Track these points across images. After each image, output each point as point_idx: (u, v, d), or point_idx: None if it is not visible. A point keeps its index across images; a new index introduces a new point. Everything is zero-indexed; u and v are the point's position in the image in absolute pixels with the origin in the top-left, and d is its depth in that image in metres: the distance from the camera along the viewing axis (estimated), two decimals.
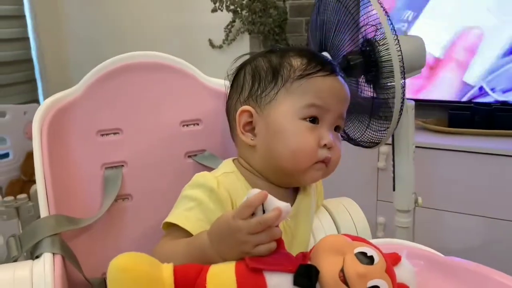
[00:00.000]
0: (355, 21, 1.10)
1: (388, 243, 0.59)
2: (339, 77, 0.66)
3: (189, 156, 0.81)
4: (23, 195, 1.20)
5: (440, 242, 1.56)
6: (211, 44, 2.04)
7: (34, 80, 2.34)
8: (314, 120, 0.63)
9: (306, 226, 0.69)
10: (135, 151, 0.77)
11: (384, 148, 1.61)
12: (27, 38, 2.30)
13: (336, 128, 0.66)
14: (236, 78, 0.69)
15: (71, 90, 0.75)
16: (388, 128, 1.10)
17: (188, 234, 0.57)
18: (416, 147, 1.20)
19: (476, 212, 1.55)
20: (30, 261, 0.62)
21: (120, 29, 2.28)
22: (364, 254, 0.44)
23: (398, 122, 1.09)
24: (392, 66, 1.05)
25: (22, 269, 0.59)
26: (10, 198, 1.19)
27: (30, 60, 2.31)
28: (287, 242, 0.62)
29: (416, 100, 1.20)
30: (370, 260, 0.43)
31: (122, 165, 0.76)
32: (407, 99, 1.14)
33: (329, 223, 0.71)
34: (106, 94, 0.76)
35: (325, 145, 0.62)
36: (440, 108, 1.76)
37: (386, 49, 1.04)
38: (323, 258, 0.44)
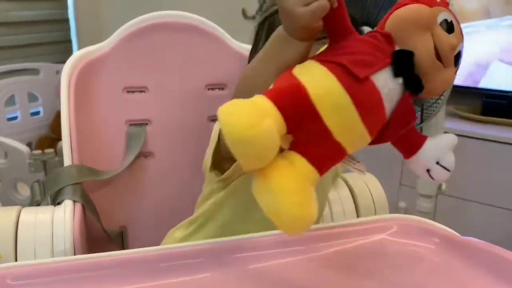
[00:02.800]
0: None
1: (403, 219, 0.58)
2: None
3: (212, 120, 0.81)
4: (51, 150, 1.24)
5: (461, 232, 1.53)
6: (244, 14, 2.01)
7: (70, 41, 2.37)
8: None
9: (323, 192, 0.68)
10: (160, 110, 0.78)
11: None
12: None
13: None
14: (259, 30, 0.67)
15: (101, 45, 0.76)
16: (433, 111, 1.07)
17: None
18: (446, 133, 1.18)
19: (502, 205, 1.51)
20: (51, 207, 0.64)
21: None
22: (445, 21, 0.43)
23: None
24: None
25: (44, 213, 0.61)
26: (38, 151, 1.22)
27: (66, 20, 2.34)
28: None
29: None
30: (451, 26, 0.43)
31: (146, 123, 0.77)
32: None
33: (347, 196, 0.70)
34: (134, 52, 0.76)
35: None
36: (475, 96, 1.70)
37: None
38: (412, 37, 0.42)
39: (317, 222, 0.69)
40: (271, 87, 0.41)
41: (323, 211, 0.69)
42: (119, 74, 0.76)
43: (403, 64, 0.42)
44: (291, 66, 0.43)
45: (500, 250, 0.51)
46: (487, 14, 1.62)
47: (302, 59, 0.44)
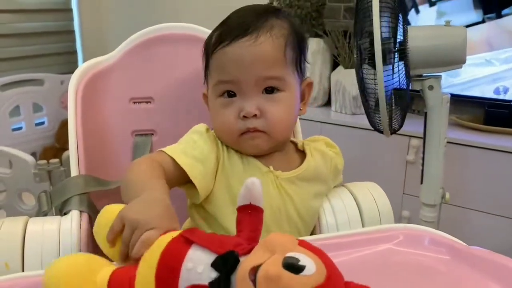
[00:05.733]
0: (392, 8, 1.08)
1: (409, 228, 0.59)
2: (245, 39, 0.61)
3: None
4: (56, 160, 1.24)
5: (465, 242, 1.53)
6: None
7: (75, 52, 2.39)
8: (230, 95, 0.63)
9: (307, 196, 0.68)
10: (165, 121, 0.79)
11: (415, 141, 1.58)
12: (70, 10, 2.35)
13: (272, 90, 0.63)
14: None
15: (107, 56, 0.77)
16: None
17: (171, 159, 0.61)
18: (449, 143, 1.18)
19: (505, 214, 1.50)
20: (58, 217, 0.64)
21: (160, 4, 2.31)
22: (294, 261, 0.35)
23: (392, 112, 1.08)
24: (420, 57, 1.04)
25: (50, 223, 0.62)
26: (43, 161, 1.23)
27: (71, 32, 2.37)
28: (285, 207, 0.65)
29: (452, 95, 1.17)
30: (298, 269, 0.35)
31: (152, 134, 0.78)
32: (443, 92, 1.12)
33: (352, 205, 0.70)
34: (140, 63, 0.77)
35: (244, 116, 0.62)
36: (477, 105, 1.71)
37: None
38: (254, 250, 0.38)
39: (314, 232, 0.70)
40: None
41: (314, 217, 0.69)
42: (125, 85, 0.77)
43: (226, 262, 0.38)
44: None
45: (508, 260, 0.51)
46: (489, 46, 1.64)
47: None
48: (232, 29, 0.62)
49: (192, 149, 0.63)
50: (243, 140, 0.64)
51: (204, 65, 0.67)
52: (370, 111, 1.15)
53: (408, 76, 1.10)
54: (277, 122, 0.63)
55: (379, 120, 1.11)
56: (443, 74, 1.12)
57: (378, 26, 1.00)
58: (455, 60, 1.07)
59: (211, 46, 0.64)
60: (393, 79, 1.08)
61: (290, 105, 0.65)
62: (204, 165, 0.62)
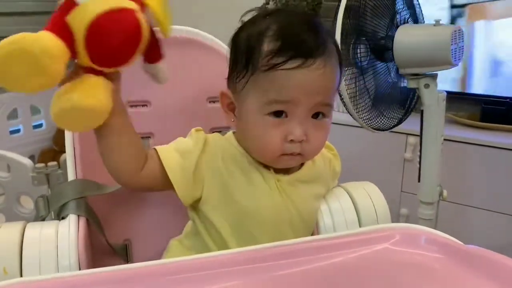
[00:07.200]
0: (388, 6, 1.09)
1: (406, 228, 0.59)
2: (315, 65, 0.58)
3: (214, 132, 0.82)
4: (54, 163, 1.24)
5: (463, 238, 1.53)
6: None
7: None
8: (280, 113, 0.60)
9: (308, 197, 0.69)
10: (162, 124, 0.79)
11: (412, 139, 1.58)
12: None
13: (317, 115, 0.62)
14: (230, 49, 0.67)
15: None
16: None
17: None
18: (446, 140, 1.18)
19: (503, 210, 1.51)
20: (56, 221, 0.64)
21: None
22: None
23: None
24: (405, 56, 1.04)
25: (48, 227, 0.62)
26: (41, 164, 1.23)
27: None
28: (287, 209, 0.66)
29: (448, 93, 1.17)
30: None
31: (149, 137, 0.78)
32: (439, 90, 1.13)
33: (349, 205, 0.71)
34: (136, 66, 0.77)
35: (291, 140, 0.60)
36: (473, 102, 1.71)
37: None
38: None
39: (313, 233, 0.70)
40: None
41: (313, 219, 0.70)
42: (122, 88, 0.76)
43: None
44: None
45: (504, 258, 0.51)
46: None
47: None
48: (295, 48, 0.58)
49: (176, 144, 0.66)
50: (280, 160, 0.63)
51: (234, 70, 0.64)
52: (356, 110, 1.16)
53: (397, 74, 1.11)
54: (318, 148, 0.64)
55: (362, 119, 1.13)
56: None
57: (340, 23, 1.01)
58: (440, 60, 1.06)
59: (269, 60, 0.59)
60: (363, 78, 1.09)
61: (328, 130, 0.65)
62: (183, 158, 0.63)
